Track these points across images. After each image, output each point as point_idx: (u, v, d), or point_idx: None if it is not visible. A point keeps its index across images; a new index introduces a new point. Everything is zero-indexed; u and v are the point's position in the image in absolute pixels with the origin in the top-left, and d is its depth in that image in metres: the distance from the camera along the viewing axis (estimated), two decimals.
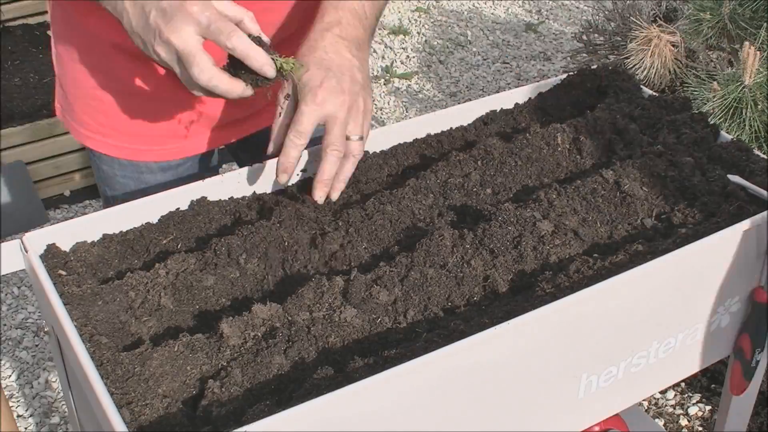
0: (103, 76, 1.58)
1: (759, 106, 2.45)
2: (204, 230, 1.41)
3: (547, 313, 1.15)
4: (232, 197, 1.47)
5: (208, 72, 1.22)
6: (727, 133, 1.51)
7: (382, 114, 4.45)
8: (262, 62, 1.24)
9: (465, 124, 1.68)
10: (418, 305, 1.21)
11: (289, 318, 1.17)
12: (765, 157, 1.50)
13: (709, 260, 1.34)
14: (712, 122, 1.99)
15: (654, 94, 1.71)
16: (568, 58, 3.52)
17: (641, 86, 1.73)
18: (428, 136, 1.64)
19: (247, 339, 1.14)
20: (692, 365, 1.48)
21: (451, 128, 1.67)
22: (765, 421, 2.62)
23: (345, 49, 1.38)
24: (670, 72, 2.86)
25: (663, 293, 1.31)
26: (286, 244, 1.33)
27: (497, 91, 3.82)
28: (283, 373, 1.10)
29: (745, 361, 1.49)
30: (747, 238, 1.36)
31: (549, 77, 1.76)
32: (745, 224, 1.33)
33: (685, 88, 2.67)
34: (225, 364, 1.12)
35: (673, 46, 2.87)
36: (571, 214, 1.36)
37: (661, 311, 1.33)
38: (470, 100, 1.65)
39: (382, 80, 4.69)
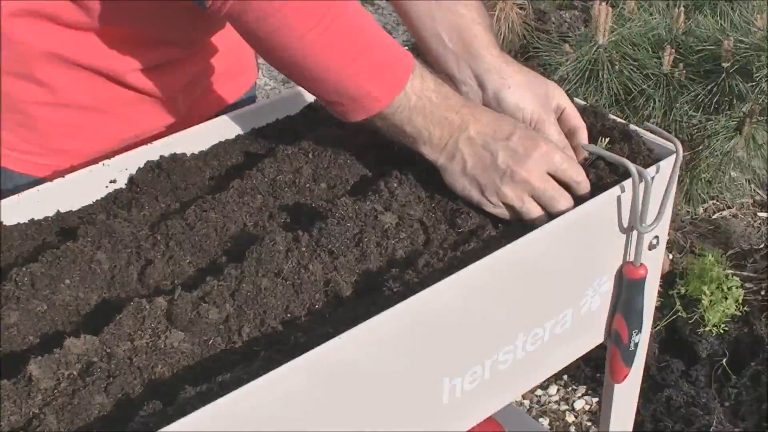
0: (35, 86, 1.54)
1: (616, 67, 2.51)
2: (2, 260, 1.37)
3: (395, 315, 1.15)
4: (32, 219, 1.44)
5: (570, 202, 1.39)
6: (585, 98, 1.55)
7: None
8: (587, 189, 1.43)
9: (293, 114, 1.68)
10: (253, 321, 1.20)
11: (108, 350, 1.14)
12: (623, 122, 1.54)
13: (571, 238, 1.37)
14: (567, 89, 2.03)
15: None
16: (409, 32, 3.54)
17: None
18: (253, 130, 1.64)
19: (61, 379, 1.11)
20: (566, 356, 1.51)
21: (277, 119, 1.67)
22: (658, 408, 2.69)
23: None
24: (519, 37, 2.91)
25: (523, 279, 1.33)
26: (98, 265, 1.30)
27: None
28: (105, 414, 1.08)
29: (622, 346, 1.52)
30: (609, 211, 1.39)
31: None
32: (605, 196, 1.37)
33: (536, 53, 2.72)
34: (37, 411, 1.09)
35: (521, 8, 2.92)
36: (415, 202, 1.37)
37: (524, 299, 1.35)
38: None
39: None
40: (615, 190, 1.38)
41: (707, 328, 2.82)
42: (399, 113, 1.37)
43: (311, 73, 1.35)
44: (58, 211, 1.47)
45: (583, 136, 1.50)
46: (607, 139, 1.48)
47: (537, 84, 1.52)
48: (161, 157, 1.55)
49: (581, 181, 1.41)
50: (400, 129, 1.39)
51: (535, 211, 1.38)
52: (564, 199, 1.38)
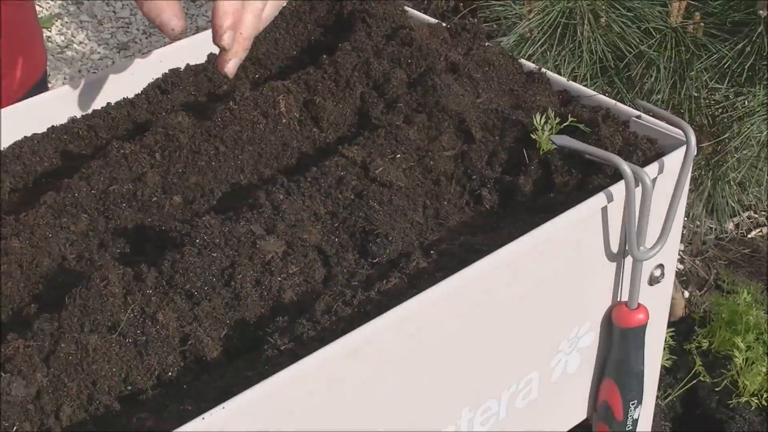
0: None
1: (602, 20, 2.50)
2: None
3: (284, 385, 1.14)
4: None
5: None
6: (557, 66, 1.55)
7: None
8: None
9: (132, 96, 1.67)
10: (77, 397, 1.19)
11: None
12: (611, 100, 1.55)
13: (535, 271, 1.38)
14: (530, 53, 2.04)
15: (430, 20, 1.74)
16: None
17: (407, 7, 1.76)
18: (73, 120, 1.63)
19: None
20: None
21: (109, 104, 1.66)
22: None
23: None
24: None
25: (466, 332, 1.34)
26: None
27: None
28: None
29: (615, 424, 1.54)
30: (591, 229, 1.41)
31: None
32: (584, 208, 1.37)
33: (486, 3, 2.69)
34: None
35: None
36: (311, 221, 1.38)
37: (468, 361, 1.36)
38: (150, 52, 1.67)
39: None
40: (597, 200, 1.38)
41: (742, 399, 2.80)
42: None
43: None
44: None
45: None
46: (583, 125, 1.48)
47: None
48: None
49: None
50: None
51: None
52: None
